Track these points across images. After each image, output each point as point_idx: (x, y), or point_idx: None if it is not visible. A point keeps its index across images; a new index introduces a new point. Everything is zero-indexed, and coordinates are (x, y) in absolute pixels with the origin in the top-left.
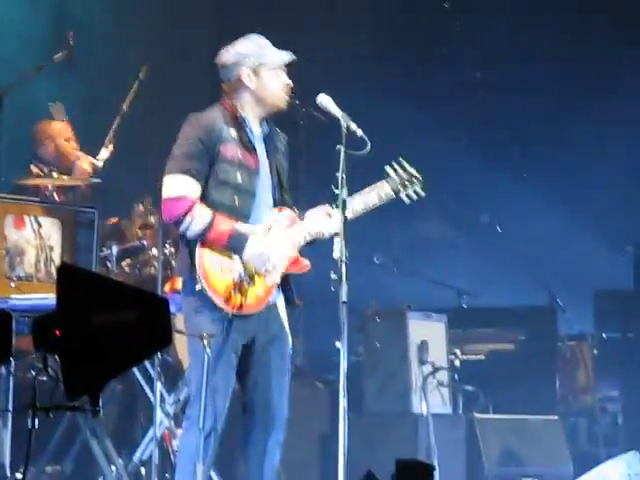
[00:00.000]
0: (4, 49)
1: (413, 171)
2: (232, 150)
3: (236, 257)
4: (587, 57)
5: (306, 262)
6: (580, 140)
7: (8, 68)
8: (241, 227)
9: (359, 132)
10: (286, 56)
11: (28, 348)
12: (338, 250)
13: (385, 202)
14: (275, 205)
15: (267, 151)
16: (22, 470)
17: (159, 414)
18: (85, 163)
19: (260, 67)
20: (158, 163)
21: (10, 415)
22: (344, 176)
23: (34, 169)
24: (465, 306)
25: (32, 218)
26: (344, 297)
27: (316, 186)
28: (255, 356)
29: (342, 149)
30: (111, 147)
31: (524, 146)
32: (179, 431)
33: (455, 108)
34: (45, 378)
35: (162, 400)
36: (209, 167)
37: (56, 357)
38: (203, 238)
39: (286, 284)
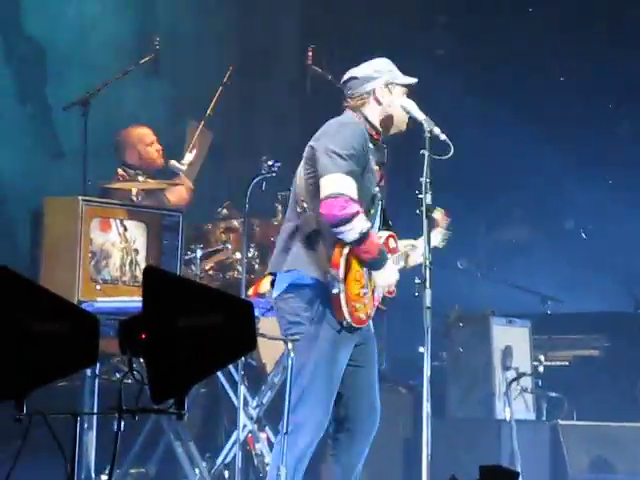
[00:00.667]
0: (90, 51)
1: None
2: (372, 162)
3: (365, 271)
4: None
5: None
6: None
7: (94, 70)
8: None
9: (442, 136)
10: (413, 79)
11: (112, 351)
12: (422, 255)
13: None
14: (381, 225)
15: None
16: (107, 472)
17: (242, 417)
18: (183, 189)
19: (392, 84)
20: (241, 167)
21: (95, 417)
22: (428, 180)
23: (121, 172)
24: (549, 312)
25: (118, 221)
26: (428, 302)
27: (400, 190)
28: (357, 363)
29: (426, 153)
30: (195, 151)
31: (609, 151)
32: (262, 435)
33: (540, 111)
34: (130, 381)
35: (245, 403)
36: (361, 173)
37: (142, 360)
38: (359, 245)
39: None
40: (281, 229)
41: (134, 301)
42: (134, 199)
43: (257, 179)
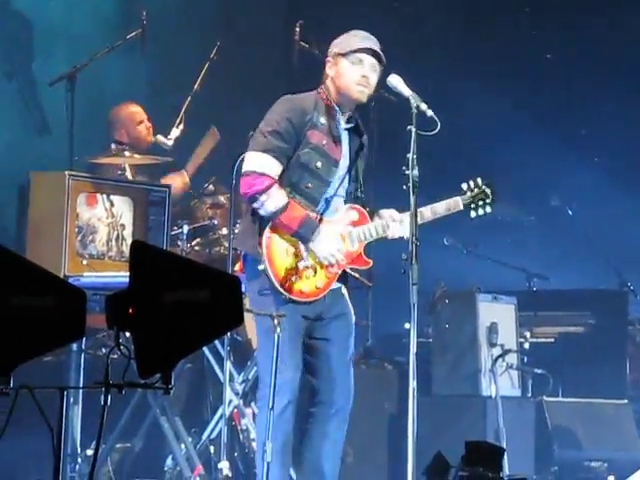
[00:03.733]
0: (75, 26)
1: (487, 190)
2: (318, 137)
3: (302, 245)
4: None
5: (368, 260)
6: None
7: (79, 45)
8: (312, 217)
9: (429, 112)
10: (361, 43)
11: (99, 325)
12: (409, 231)
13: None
14: (347, 198)
15: (350, 145)
16: (93, 446)
17: (228, 393)
18: (179, 180)
19: (339, 56)
20: (228, 143)
21: (81, 392)
22: (415, 157)
23: (114, 148)
24: (535, 289)
25: (104, 196)
26: (414, 278)
27: (387, 166)
28: (319, 335)
29: (413, 129)
30: (182, 126)
31: (595, 129)
32: (248, 410)
33: (526, 91)
34: (117, 356)
35: (231, 379)
36: (294, 148)
37: (128, 335)
38: (274, 219)
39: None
40: None
41: (121, 276)
42: (121, 174)
43: (244, 155)
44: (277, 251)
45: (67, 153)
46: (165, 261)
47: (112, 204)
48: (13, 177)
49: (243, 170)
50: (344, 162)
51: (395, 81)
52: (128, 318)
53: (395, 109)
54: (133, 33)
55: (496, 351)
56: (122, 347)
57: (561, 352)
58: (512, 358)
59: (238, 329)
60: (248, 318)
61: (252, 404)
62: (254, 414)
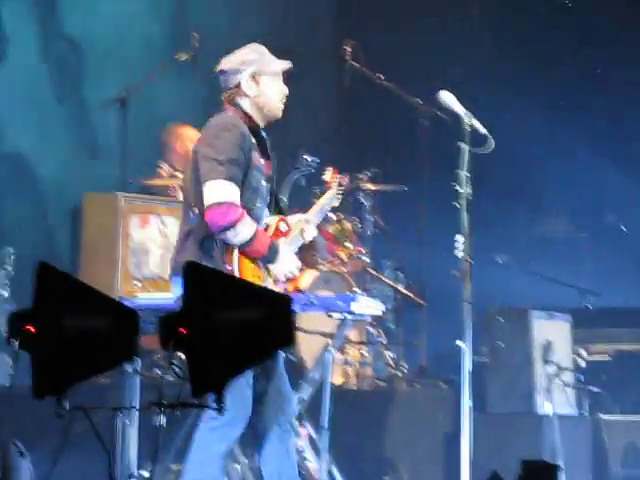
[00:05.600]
0: (126, 49)
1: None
2: (256, 156)
3: (261, 265)
4: None
5: None
6: None
7: (130, 68)
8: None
9: (482, 130)
10: (284, 64)
11: (154, 347)
12: (462, 249)
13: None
14: (271, 210)
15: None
16: (149, 468)
17: None
18: None
19: (259, 74)
20: (278, 157)
21: (137, 413)
22: (468, 174)
23: (161, 170)
24: (590, 306)
25: (157, 218)
26: (468, 297)
27: (439, 184)
28: None
29: (466, 147)
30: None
31: None
32: (303, 431)
33: (577, 106)
34: (171, 376)
35: None
36: (244, 174)
37: (182, 355)
38: (247, 247)
39: None
40: (178, 232)
41: (174, 298)
42: (173, 195)
43: (296, 175)
44: (247, 275)
45: (119, 175)
46: (217, 281)
47: (165, 225)
48: (66, 199)
49: (212, 200)
50: (268, 176)
51: (447, 98)
52: (181, 338)
53: (446, 127)
54: (183, 55)
55: (551, 369)
56: (176, 367)
57: (618, 370)
58: (568, 376)
59: (291, 349)
60: (301, 338)
61: (307, 424)
62: (309, 435)
